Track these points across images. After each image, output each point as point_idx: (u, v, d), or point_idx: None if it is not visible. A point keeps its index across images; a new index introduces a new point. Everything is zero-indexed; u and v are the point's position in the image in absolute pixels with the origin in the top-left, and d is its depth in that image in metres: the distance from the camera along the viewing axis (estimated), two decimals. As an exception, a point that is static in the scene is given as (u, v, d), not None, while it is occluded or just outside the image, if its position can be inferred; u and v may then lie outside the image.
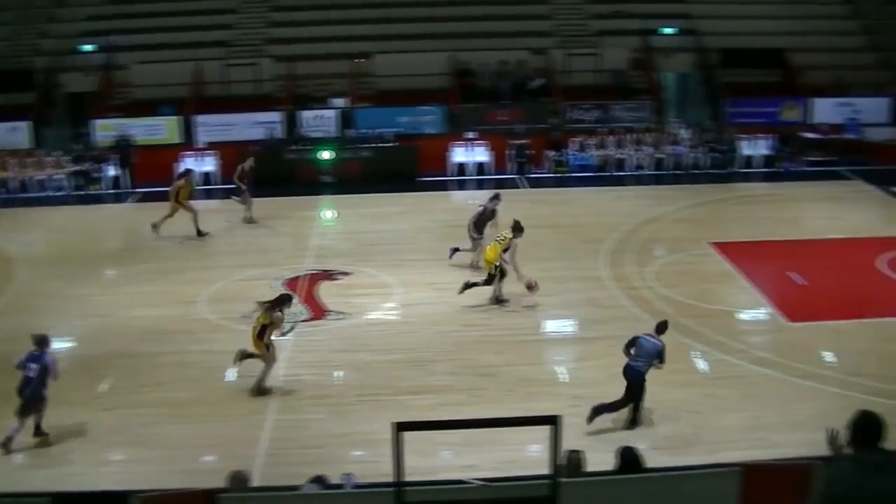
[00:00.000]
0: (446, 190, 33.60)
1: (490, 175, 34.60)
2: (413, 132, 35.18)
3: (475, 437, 15.00)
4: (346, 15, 39.31)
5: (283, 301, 18.79)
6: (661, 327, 17.48)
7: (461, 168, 34.69)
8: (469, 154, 34.88)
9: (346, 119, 35.32)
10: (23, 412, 16.21)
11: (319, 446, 16.36)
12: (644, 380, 17.09)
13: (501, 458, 15.26)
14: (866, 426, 7.55)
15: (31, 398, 16.16)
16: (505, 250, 22.42)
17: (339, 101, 35.77)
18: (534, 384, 18.74)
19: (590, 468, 11.94)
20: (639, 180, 34.53)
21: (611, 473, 11.19)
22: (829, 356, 20.49)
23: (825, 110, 37.72)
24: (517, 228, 22.55)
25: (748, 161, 36.11)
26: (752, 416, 17.59)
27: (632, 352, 17.26)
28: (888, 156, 36.62)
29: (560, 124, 35.98)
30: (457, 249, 25.00)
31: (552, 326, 22.16)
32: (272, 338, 18.30)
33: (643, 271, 24.91)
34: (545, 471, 7.60)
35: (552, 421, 6.87)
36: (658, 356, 17.09)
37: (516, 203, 29.02)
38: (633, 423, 17.24)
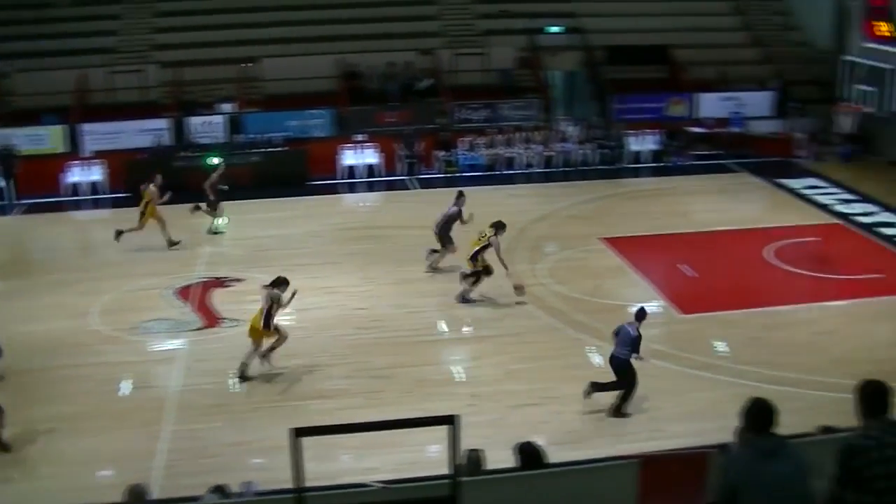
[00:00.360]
0: (337, 193, 33.44)
1: (380, 177, 34.53)
2: (302, 136, 34.95)
3: (374, 439, 14.99)
4: (233, 19, 38.94)
5: (278, 282, 19.25)
6: (640, 314, 17.76)
7: (351, 171, 34.57)
8: (359, 156, 34.78)
9: (235, 124, 34.98)
10: None
11: (218, 455, 16.26)
12: (629, 366, 17.43)
13: (401, 459, 15.30)
14: (758, 413, 7.66)
15: None
16: (483, 248, 22.59)
17: (227, 107, 35.40)
18: (431, 385, 18.82)
19: (490, 466, 12.00)
20: (528, 178, 34.71)
21: (511, 470, 11.23)
22: (720, 346, 20.90)
23: (710, 105, 38.30)
24: (499, 226, 22.71)
25: (636, 156, 36.54)
26: (648, 408, 17.89)
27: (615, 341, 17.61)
28: (772, 148, 37.32)
29: (449, 124, 36.03)
30: (434, 250, 25.01)
31: (447, 326, 22.20)
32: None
33: (535, 268, 25.09)
34: (445, 470, 7.61)
35: (450, 421, 6.88)
36: (633, 344, 17.39)
37: (407, 204, 29.10)
38: (617, 410, 17.62)
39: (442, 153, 34.96)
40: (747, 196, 31.34)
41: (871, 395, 7.73)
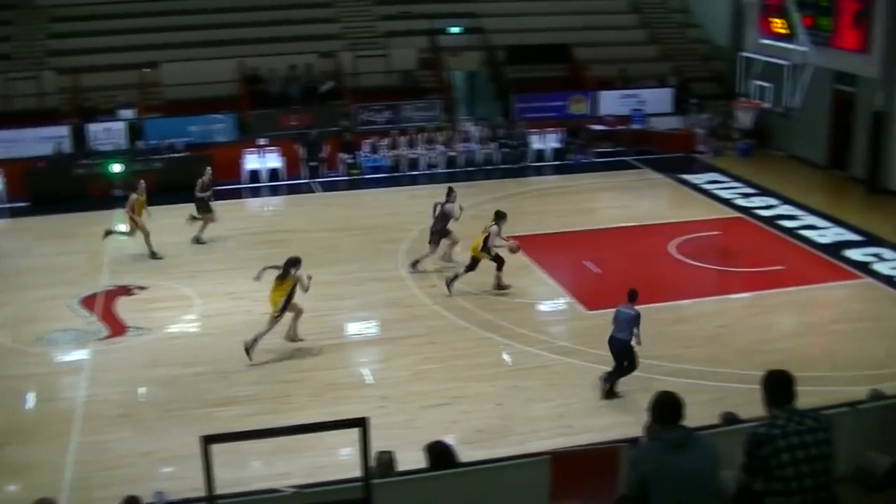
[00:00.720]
0: (241, 198, 33.15)
1: (283, 181, 34.35)
2: (204, 141, 34.63)
3: (285, 444, 14.85)
4: (131, 24, 38.44)
5: (292, 262, 20.34)
6: (632, 295, 18.22)
7: (254, 175, 34.34)
8: (262, 161, 34.55)
9: (136, 130, 34.55)
10: None
11: (128, 466, 16.08)
12: (630, 348, 17.99)
13: (313, 463, 15.28)
14: (666, 406, 7.76)
15: None
16: (485, 239, 23.16)
17: (128, 113, 34.96)
18: (340, 388, 18.80)
19: (401, 467, 12.03)
20: (432, 179, 34.72)
21: (423, 471, 11.26)
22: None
23: (611, 103, 38.71)
24: (499, 216, 23.44)
25: (539, 155, 36.74)
26: (558, 405, 18.03)
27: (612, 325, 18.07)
28: (673, 144, 37.87)
29: (352, 126, 35.98)
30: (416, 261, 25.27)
31: (354, 329, 22.22)
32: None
33: (442, 269, 25.12)
34: (357, 473, 7.64)
35: (360, 423, 6.91)
36: (634, 323, 17.87)
37: (310, 208, 28.98)
38: (610, 392, 18.17)
39: (345, 155, 34.86)
40: (650, 192, 31.73)
41: (775, 384, 7.89)
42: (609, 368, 18.28)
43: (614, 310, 18.27)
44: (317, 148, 34.67)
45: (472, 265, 23.62)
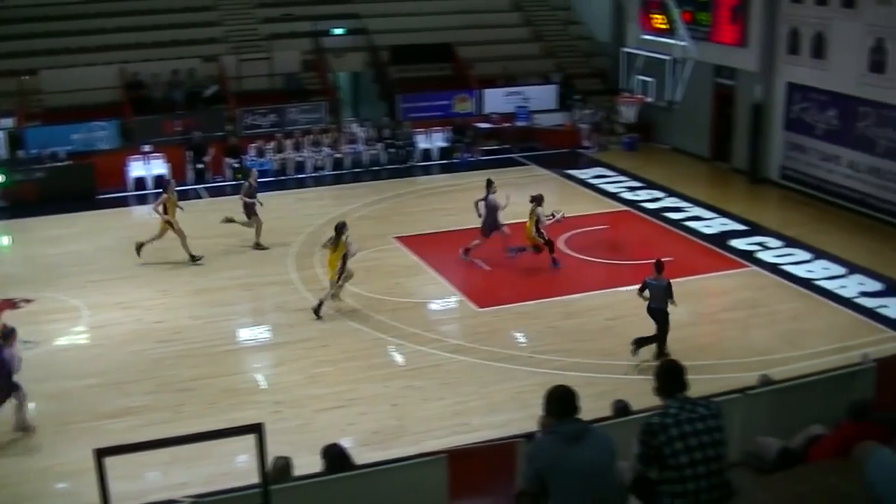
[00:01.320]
0: (127, 206, 32.67)
1: (170, 187, 33.80)
2: (88, 149, 34.02)
3: (182, 453, 14.69)
4: (8, 30, 37.66)
5: (341, 227, 22.33)
6: (658, 266, 19.56)
7: (140, 182, 33.83)
8: (147, 167, 34.09)
9: (16, 140, 33.86)
10: None
11: (21, 483, 15.80)
12: (666, 313, 19.54)
13: (211, 471, 15.19)
14: (560, 400, 7.84)
15: None
16: (537, 223, 24.41)
17: (7, 122, 34.28)
18: (235, 394, 18.69)
19: (299, 471, 12.03)
20: (319, 182, 34.61)
21: (321, 475, 11.29)
22: (518, 337, 21.35)
23: (496, 100, 38.91)
24: (537, 199, 25.05)
25: (426, 154, 36.82)
26: (452, 403, 18.14)
27: (645, 294, 19.46)
28: (558, 140, 38.26)
29: (237, 131, 35.71)
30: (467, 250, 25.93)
31: (247, 335, 22.09)
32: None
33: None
34: (255, 480, 7.64)
35: (256, 429, 6.91)
36: (667, 292, 19.19)
37: (197, 214, 28.71)
38: (660, 353, 19.41)
39: (231, 160, 34.57)
40: (537, 188, 31.84)
41: (666, 374, 8.03)
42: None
43: (642, 282, 19.76)
44: (202, 151, 34.32)
45: (537, 249, 24.95)
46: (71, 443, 16.74)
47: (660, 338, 19.60)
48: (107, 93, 35.74)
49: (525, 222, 25.00)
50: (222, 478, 14.51)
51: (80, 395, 18.83)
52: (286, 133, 35.57)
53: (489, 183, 26.05)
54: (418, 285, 24.23)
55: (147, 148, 34.26)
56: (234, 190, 32.81)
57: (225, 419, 16.97)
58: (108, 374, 19.68)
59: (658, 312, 19.51)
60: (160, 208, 25.91)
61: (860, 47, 28.93)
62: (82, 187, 32.37)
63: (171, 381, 19.32)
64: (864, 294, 22.72)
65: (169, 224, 25.92)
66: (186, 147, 34.38)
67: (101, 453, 6.76)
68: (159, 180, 31.75)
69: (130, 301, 23.31)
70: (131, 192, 33.35)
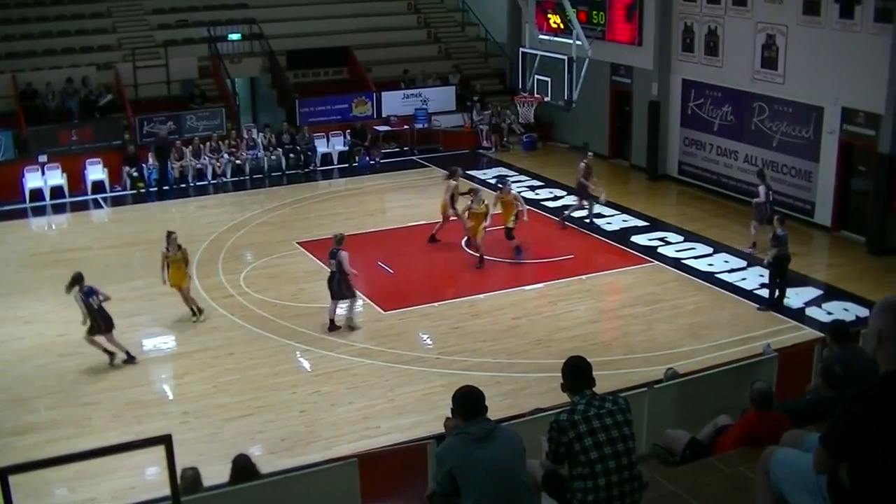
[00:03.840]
0: (23, 218, 32.03)
1: (66, 198, 33.25)
2: (-20, 161, 33.44)
3: (89, 468, 14.55)
4: None
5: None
6: (780, 219, 22.28)
7: (37, 194, 33.18)
8: (43, 178, 33.45)
9: None
10: None
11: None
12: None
13: (119, 485, 15.04)
14: (467, 400, 7.88)
15: None
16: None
17: None
18: (141, 406, 18.49)
19: (210, 481, 11.95)
20: (218, 189, 34.37)
21: (231, 484, 11.22)
22: (425, 339, 21.39)
23: (394, 103, 38.88)
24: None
25: (325, 159, 36.70)
26: (361, 407, 18.15)
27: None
28: (458, 141, 38.47)
29: (134, 139, 35.21)
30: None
31: (150, 345, 21.80)
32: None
33: (234, 278, 24.96)
34: (165, 492, 7.57)
35: (165, 440, 6.85)
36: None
37: (97, 225, 28.35)
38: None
39: (129, 169, 34.08)
40: (437, 190, 31.93)
41: (572, 371, 8.09)
42: None
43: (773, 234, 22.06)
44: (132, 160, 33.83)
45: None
46: (-27, 462, 16.39)
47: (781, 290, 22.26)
48: (-1, 103, 35.12)
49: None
50: (131, 492, 14.38)
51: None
52: (185, 140, 35.10)
53: (585, 148, 29.23)
54: (323, 289, 24.08)
55: (43, 159, 33.63)
56: (135, 199, 32.50)
57: (131, 431, 16.83)
58: (10, 390, 19.32)
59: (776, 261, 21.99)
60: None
61: (752, 44, 29.47)
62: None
63: (76, 394, 19.05)
64: (764, 286, 23.07)
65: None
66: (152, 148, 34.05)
67: (6, 471, 6.64)
68: (55, 191, 31.10)
69: (31, 315, 22.95)
70: (27, 203, 32.70)
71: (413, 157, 37.39)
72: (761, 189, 25.99)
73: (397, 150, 38.20)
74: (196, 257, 26.32)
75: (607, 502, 7.61)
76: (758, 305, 22.51)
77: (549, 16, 35.21)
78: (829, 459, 5.83)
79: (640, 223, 28.81)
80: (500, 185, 26.22)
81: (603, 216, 29.19)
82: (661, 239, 27.33)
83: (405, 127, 38.54)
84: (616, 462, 7.71)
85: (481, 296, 23.67)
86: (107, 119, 35.67)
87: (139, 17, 40.31)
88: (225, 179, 34.96)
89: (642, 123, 34.41)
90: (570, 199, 29.68)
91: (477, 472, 7.62)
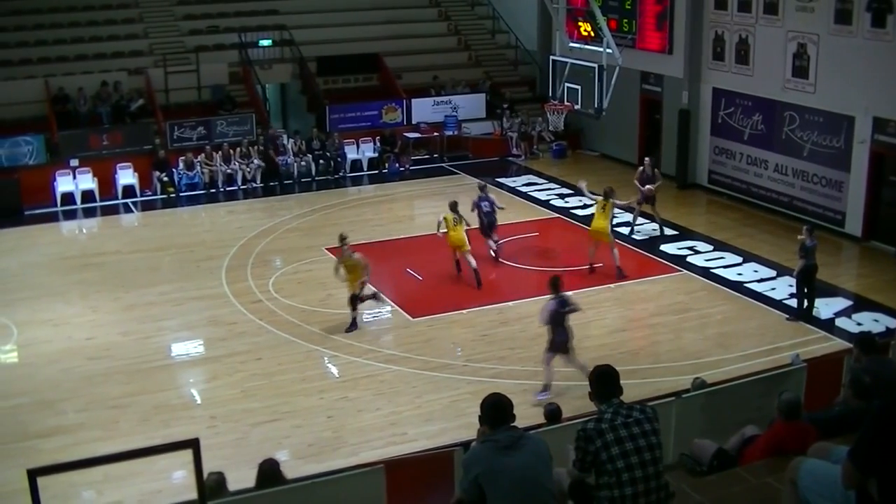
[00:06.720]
0: (54, 221, 32.14)
1: (97, 202, 33.37)
2: (13, 164, 33.51)
3: (116, 471, 14.55)
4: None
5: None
6: (810, 228, 22.22)
7: (68, 197, 33.35)
8: (74, 182, 33.63)
9: (-62, 157, 33.37)
10: None
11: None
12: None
13: (146, 489, 15.06)
14: (494, 408, 7.86)
15: None
16: (611, 220, 25.80)
17: (-71, 138, 33.77)
18: (169, 410, 18.51)
19: (236, 486, 11.94)
20: (248, 194, 34.41)
21: (256, 489, 11.22)
22: (453, 346, 21.33)
23: (424, 110, 38.91)
24: (609, 194, 25.74)
25: (355, 165, 36.74)
26: (388, 414, 18.11)
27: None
28: (487, 149, 38.41)
29: (164, 144, 35.35)
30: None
31: (178, 349, 21.86)
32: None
33: (263, 284, 25.00)
34: (192, 496, 7.57)
35: (192, 444, 6.85)
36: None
37: (127, 229, 28.43)
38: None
39: (159, 174, 34.22)
40: (467, 197, 31.97)
41: (600, 379, 8.08)
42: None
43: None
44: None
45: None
46: (2, 463, 16.48)
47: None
48: (31, 107, 35.31)
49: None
50: (156, 495, 14.40)
51: (8, 415, 18.51)
52: (215, 145, 35.21)
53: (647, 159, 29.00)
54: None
55: (74, 163, 33.80)
56: (165, 203, 32.62)
57: (158, 435, 16.82)
58: (37, 392, 19.38)
59: (802, 269, 22.05)
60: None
61: (783, 52, 29.35)
62: (8, 203, 31.86)
63: (103, 398, 19.07)
64: (794, 296, 22.93)
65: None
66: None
67: (34, 473, 6.66)
68: (86, 195, 31.22)
69: (59, 318, 23.03)
70: (58, 207, 32.86)
71: (443, 165, 37.37)
72: None
73: (427, 157, 38.16)
74: (225, 262, 26.46)
75: (634, 511, 7.59)
76: (787, 315, 22.37)
77: (580, 24, 35.06)
78: (857, 474, 5.79)
79: (670, 231, 28.67)
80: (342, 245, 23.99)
81: (637, 224, 28.97)
82: (690, 248, 27.22)
83: (435, 134, 38.53)
84: (643, 471, 7.69)
85: (510, 303, 23.63)
86: (137, 124, 35.85)
87: (170, 23, 40.49)
88: (255, 185, 35.02)
89: (672, 132, 34.28)
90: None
91: (503, 480, 7.59)
